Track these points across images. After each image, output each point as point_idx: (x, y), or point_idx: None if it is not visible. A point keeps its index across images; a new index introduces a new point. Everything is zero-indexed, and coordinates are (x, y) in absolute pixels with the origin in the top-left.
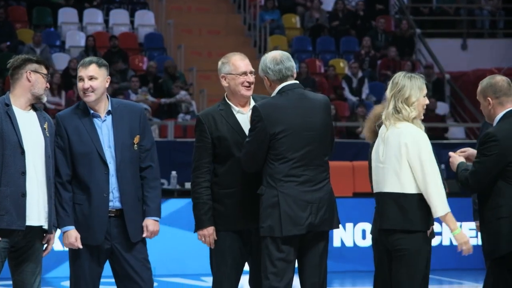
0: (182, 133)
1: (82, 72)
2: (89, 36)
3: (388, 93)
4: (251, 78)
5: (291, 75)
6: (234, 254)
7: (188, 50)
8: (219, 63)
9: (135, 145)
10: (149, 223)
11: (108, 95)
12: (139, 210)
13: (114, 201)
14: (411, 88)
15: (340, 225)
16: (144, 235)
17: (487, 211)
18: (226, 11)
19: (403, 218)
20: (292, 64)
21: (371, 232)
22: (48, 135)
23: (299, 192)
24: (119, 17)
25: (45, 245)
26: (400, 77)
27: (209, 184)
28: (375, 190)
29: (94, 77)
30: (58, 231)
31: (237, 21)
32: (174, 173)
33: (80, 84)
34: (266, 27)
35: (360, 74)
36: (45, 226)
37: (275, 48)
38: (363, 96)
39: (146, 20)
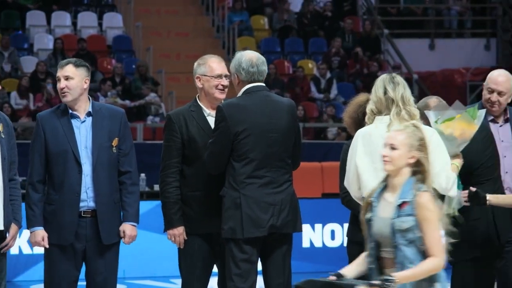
0: (151, 135)
1: (59, 73)
2: (57, 39)
3: (392, 93)
4: (226, 81)
5: (262, 79)
6: (203, 256)
7: (156, 53)
8: (195, 63)
9: (114, 148)
10: (127, 228)
11: (90, 97)
12: (115, 213)
13: (89, 201)
14: (407, 87)
15: (309, 226)
16: (122, 240)
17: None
18: (194, 13)
19: None
20: (265, 69)
21: (347, 234)
22: (3, 136)
23: (261, 194)
24: (87, 20)
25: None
26: (398, 77)
27: (179, 184)
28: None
29: (70, 77)
30: (28, 233)
31: (206, 23)
32: (143, 175)
33: (57, 85)
34: (235, 28)
35: (328, 74)
36: (1, 227)
37: (244, 49)
38: (332, 96)
39: (114, 22)
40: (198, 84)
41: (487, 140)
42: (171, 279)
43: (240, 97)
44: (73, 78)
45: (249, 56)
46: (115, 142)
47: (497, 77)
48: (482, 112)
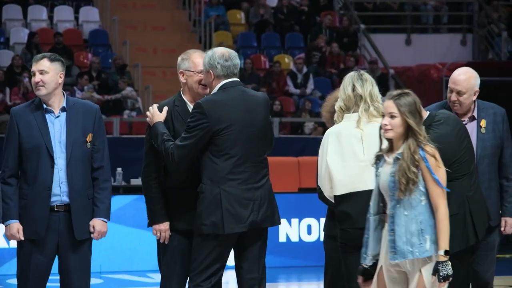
0: (128, 130)
1: (34, 67)
2: (33, 33)
3: (360, 90)
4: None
5: (237, 73)
6: (183, 252)
7: (133, 47)
8: (179, 58)
9: (88, 143)
10: (97, 223)
11: (64, 92)
12: (88, 208)
13: (62, 195)
14: (375, 84)
15: (286, 221)
16: (92, 235)
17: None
18: (171, 7)
19: None
20: (238, 62)
21: (324, 229)
22: None
23: (241, 190)
24: (64, 14)
25: None
26: (366, 74)
27: (163, 179)
28: (352, 189)
29: (45, 71)
30: (2, 228)
31: (182, 17)
32: (119, 169)
33: (32, 79)
34: (211, 23)
35: (305, 69)
36: None
37: (220, 44)
38: (308, 91)
39: (90, 16)
40: (182, 79)
41: (461, 135)
42: (147, 274)
43: (217, 93)
44: (48, 72)
45: (221, 51)
46: (89, 138)
47: (457, 76)
48: None
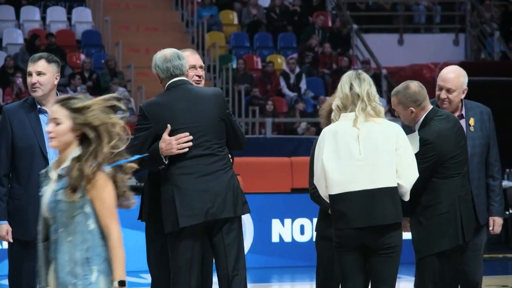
0: None
1: (31, 67)
2: (32, 34)
3: (357, 89)
4: (200, 71)
5: (180, 73)
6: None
7: (125, 47)
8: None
9: None
10: None
11: (58, 93)
12: None
13: None
14: (373, 84)
15: (279, 221)
16: None
17: (424, 208)
18: (163, 7)
19: (396, 212)
20: (181, 62)
21: (316, 229)
22: None
23: (193, 183)
24: (57, 14)
25: None
26: (364, 74)
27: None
28: (347, 189)
29: (42, 73)
30: None
31: (175, 18)
32: None
33: (28, 79)
34: (204, 23)
35: (297, 69)
36: None
37: (213, 45)
38: (301, 91)
39: (83, 17)
40: None
41: (460, 134)
42: (140, 274)
43: (161, 94)
44: (45, 74)
45: (163, 53)
46: None
47: (447, 74)
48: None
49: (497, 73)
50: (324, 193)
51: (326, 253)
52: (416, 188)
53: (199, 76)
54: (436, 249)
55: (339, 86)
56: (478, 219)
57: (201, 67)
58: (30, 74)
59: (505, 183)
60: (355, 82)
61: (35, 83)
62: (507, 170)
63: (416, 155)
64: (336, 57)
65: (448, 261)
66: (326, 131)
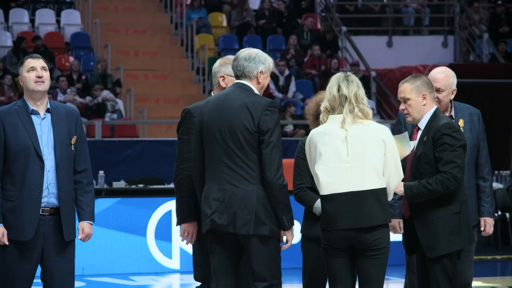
0: (110, 133)
1: (34, 63)
2: (18, 36)
3: (345, 91)
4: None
5: (237, 74)
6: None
7: (115, 50)
8: (218, 63)
9: (72, 146)
10: (85, 225)
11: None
12: (73, 210)
13: (49, 197)
14: (361, 86)
15: None
16: (79, 237)
17: (436, 207)
18: (152, 10)
19: (383, 214)
20: (236, 63)
21: (301, 230)
22: None
23: (212, 190)
24: (45, 17)
25: None
26: (352, 76)
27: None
28: (335, 190)
29: (45, 69)
30: None
31: (164, 20)
32: (101, 172)
33: (32, 74)
34: (193, 25)
35: (286, 72)
36: None
37: (202, 47)
38: (290, 94)
39: (72, 19)
40: (222, 83)
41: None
42: (130, 276)
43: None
44: (47, 70)
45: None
46: (73, 140)
47: (436, 74)
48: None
49: (486, 75)
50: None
51: (311, 253)
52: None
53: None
54: (453, 248)
55: (327, 88)
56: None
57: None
58: (34, 69)
59: (494, 185)
60: (343, 84)
61: (41, 77)
62: (496, 172)
63: (444, 144)
64: (325, 59)
65: (456, 261)
66: (314, 133)
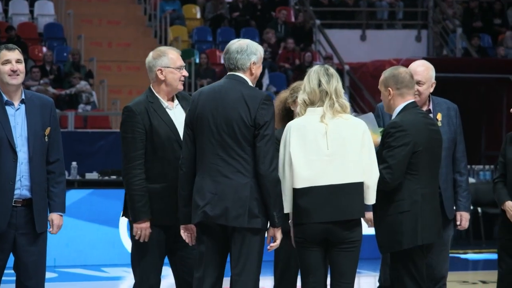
0: (83, 124)
1: (9, 55)
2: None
3: (326, 86)
4: (186, 72)
5: (230, 67)
6: (160, 247)
7: (88, 41)
8: (151, 56)
9: (46, 137)
10: (55, 217)
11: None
12: (45, 201)
13: (22, 189)
14: (340, 80)
15: None
16: (49, 230)
17: (386, 204)
18: (126, 1)
19: (360, 208)
20: (230, 56)
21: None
22: None
23: (205, 181)
24: (19, 7)
25: None
26: (331, 69)
27: (144, 176)
28: (314, 183)
29: (20, 61)
30: None
31: (137, 12)
32: (74, 163)
33: (6, 67)
34: (167, 17)
35: None
36: None
37: (176, 39)
38: (264, 87)
39: (45, 10)
40: (160, 76)
41: (435, 133)
42: (102, 268)
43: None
44: (22, 63)
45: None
46: (47, 131)
47: (417, 67)
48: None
49: (459, 70)
50: (287, 186)
51: (283, 246)
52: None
53: (184, 77)
54: (396, 247)
55: (306, 81)
56: (445, 214)
57: (184, 67)
58: (9, 62)
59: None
60: (323, 79)
61: (16, 70)
62: (468, 166)
63: (385, 142)
64: (299, 52)
65: (409, 260)
66: (292, 125)
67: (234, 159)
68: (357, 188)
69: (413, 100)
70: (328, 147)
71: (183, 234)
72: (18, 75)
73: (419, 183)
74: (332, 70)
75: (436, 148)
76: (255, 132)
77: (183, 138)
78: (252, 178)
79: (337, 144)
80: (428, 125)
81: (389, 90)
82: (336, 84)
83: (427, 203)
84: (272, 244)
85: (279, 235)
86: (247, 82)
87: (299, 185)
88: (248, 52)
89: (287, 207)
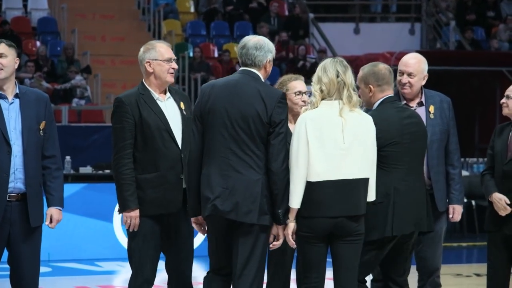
0: (77, 118)
1: None
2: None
3: (344, 77)
4: (175, 65)
5: (246, 63)
6: (155, 237)
7: (81, 35)
8: (142, 49)
9: (41, 131)
10: (54, 212)
11: (16, 80)
12: (40, 195)
13: (16, 182)
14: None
15: None
16: (47, 223)
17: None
18: None
19: (365, 202)
20: (248, 52)
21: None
22: None
23: (215, 174)
24: (12, 1)
25: None
26: (345, 62)
27: (133, 166)
28: (329, 177)
29: (4, 55)
30: None
31: (131, 5)
32: (68, 158)
33: None
34: (160, 11)
35: None
36: None
37: (169, 33)
38: None
39: (39, 4)
40: (149, 69)
41: (409, 127)
42: (96, 262)
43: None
44: (6, 56)
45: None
46: (42, 125)
47: (408, 59)
48: None
49: (452, 63)
50: (300, 179)
51: None
52: None
53: (174, 69)
54: (366, 238)
55: (321, 71)
56: (437, 206)
57: (174, 59)
58: None
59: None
60: (340, 69)
61: None
62: (462, 159)
63: None
64: (293, 45)
65: (375, 250)
66: (307, 117)
67: (247, 154)
68: (365, 183)
69: (391, 94)
70: (344, 141)
71: (194, 225)
72: (1, 69)
73: (391, 176)
74: (346, 63)
75: (415, 141)
76: (269, 130)
77: (191, 130)
78: (263, 175)
79: (352, 138)
80: (402, 119)
81: (370, 87)
82: (351, 76)
83: (401, 196)
84: (275, 243)
85: (282, 233)
86: (260, 79)
87: (314, 178)
88: (265, 49)
89: (297, 202)
